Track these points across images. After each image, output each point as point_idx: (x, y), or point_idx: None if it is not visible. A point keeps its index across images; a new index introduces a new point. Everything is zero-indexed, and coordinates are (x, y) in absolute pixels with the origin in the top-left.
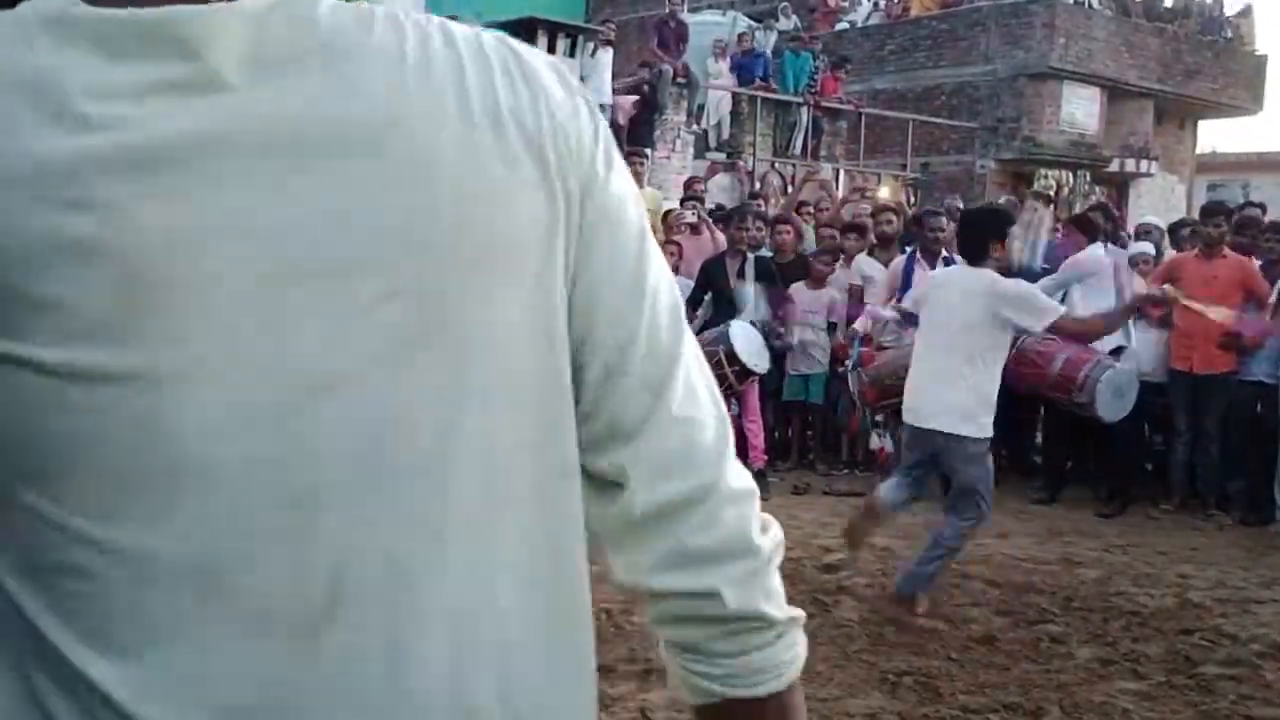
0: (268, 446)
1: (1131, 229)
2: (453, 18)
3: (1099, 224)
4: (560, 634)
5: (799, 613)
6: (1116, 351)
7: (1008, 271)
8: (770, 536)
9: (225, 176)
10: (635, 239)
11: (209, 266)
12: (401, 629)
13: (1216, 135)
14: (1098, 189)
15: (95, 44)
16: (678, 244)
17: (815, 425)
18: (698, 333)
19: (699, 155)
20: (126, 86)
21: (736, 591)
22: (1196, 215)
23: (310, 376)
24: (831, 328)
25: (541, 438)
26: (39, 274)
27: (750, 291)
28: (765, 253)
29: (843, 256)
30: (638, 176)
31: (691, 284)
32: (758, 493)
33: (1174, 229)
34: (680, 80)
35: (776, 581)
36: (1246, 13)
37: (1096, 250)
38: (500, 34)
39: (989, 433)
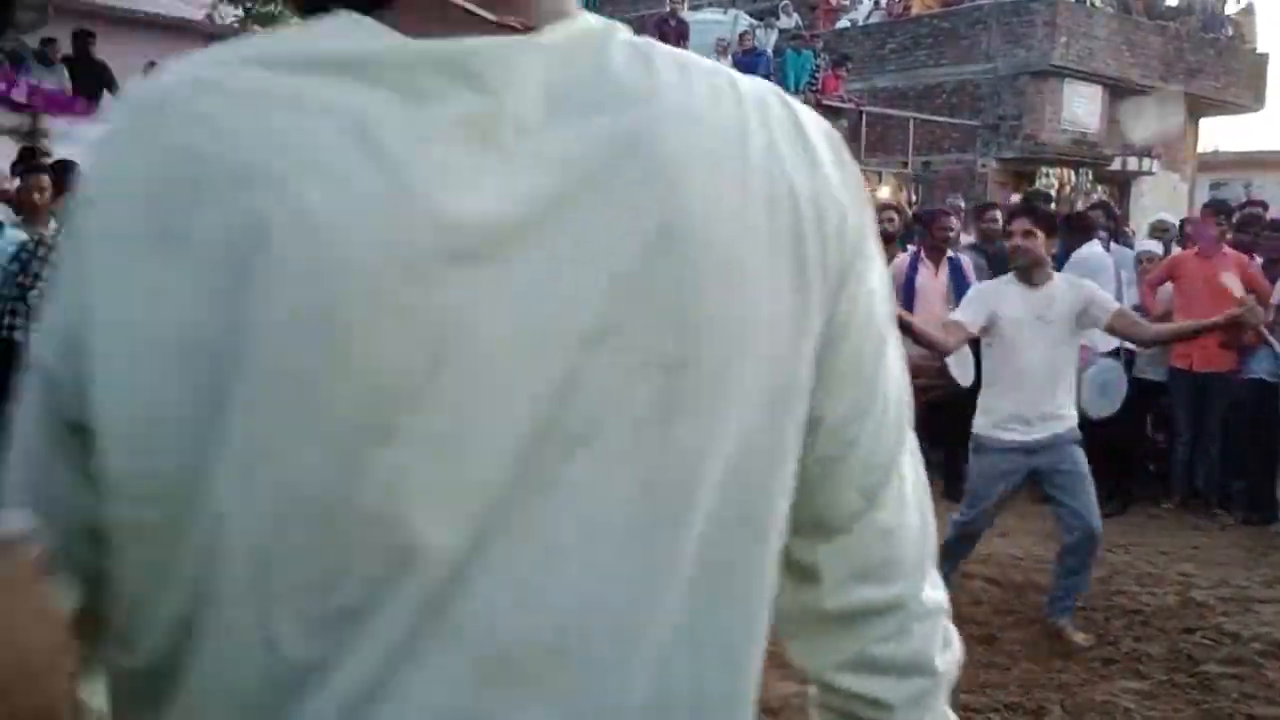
0: (524, 502)
1: (1144, 226)
2: None
3: (1096, 222)
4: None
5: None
6: (1115, 353)
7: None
8: (950, 654)
9: (523, 236)
10: (878, 339)
11: (498, 331)
12: (612, 691)
13: (1218, 134)
14: (1099, 187)
15: (398, 79)
16: None
17: None
18: None
19: None
20: (429, 127)
21: (906, 710)
22: (1199, 213)
23: (575, 439)
24: None
25: (759, 515)
26: (357, 326)
27: None
28: None
29: None
30: None
31: None
32: (947, 606)
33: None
34: None
35: (944, 700)
36: (1248, 11)
37: (1095, 247)
38: (784, 94)
39: (978, 429)
